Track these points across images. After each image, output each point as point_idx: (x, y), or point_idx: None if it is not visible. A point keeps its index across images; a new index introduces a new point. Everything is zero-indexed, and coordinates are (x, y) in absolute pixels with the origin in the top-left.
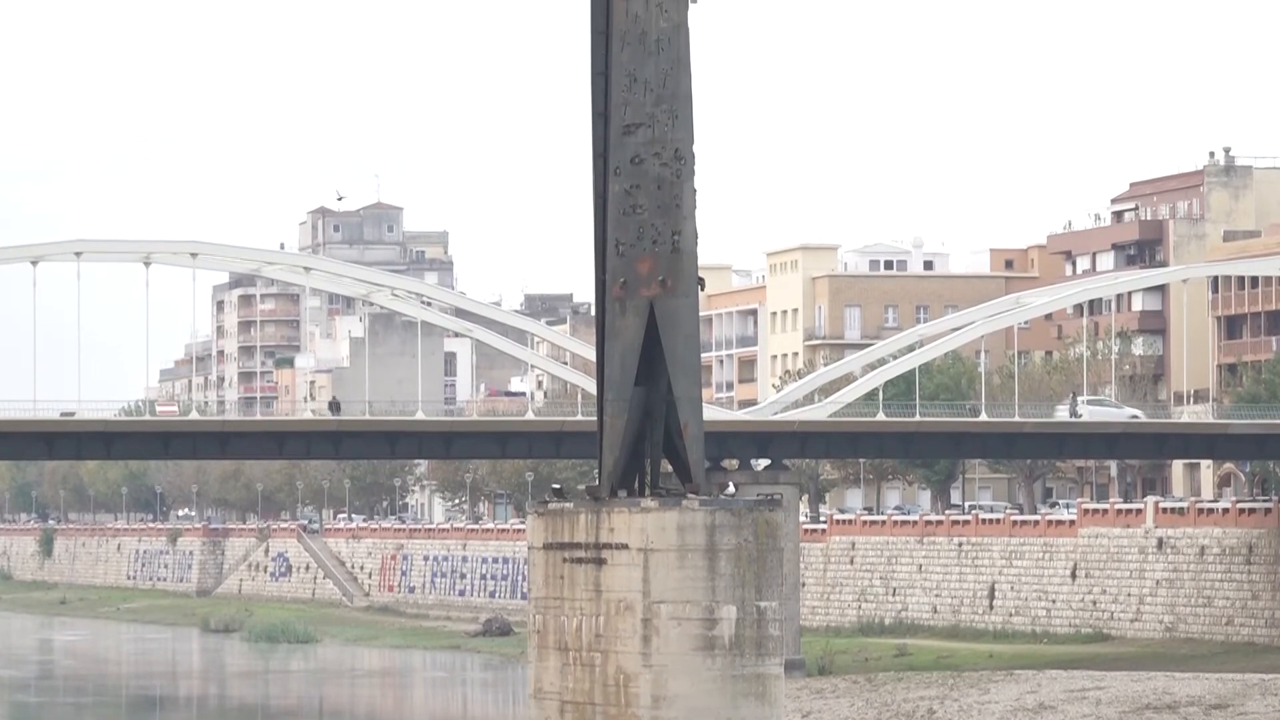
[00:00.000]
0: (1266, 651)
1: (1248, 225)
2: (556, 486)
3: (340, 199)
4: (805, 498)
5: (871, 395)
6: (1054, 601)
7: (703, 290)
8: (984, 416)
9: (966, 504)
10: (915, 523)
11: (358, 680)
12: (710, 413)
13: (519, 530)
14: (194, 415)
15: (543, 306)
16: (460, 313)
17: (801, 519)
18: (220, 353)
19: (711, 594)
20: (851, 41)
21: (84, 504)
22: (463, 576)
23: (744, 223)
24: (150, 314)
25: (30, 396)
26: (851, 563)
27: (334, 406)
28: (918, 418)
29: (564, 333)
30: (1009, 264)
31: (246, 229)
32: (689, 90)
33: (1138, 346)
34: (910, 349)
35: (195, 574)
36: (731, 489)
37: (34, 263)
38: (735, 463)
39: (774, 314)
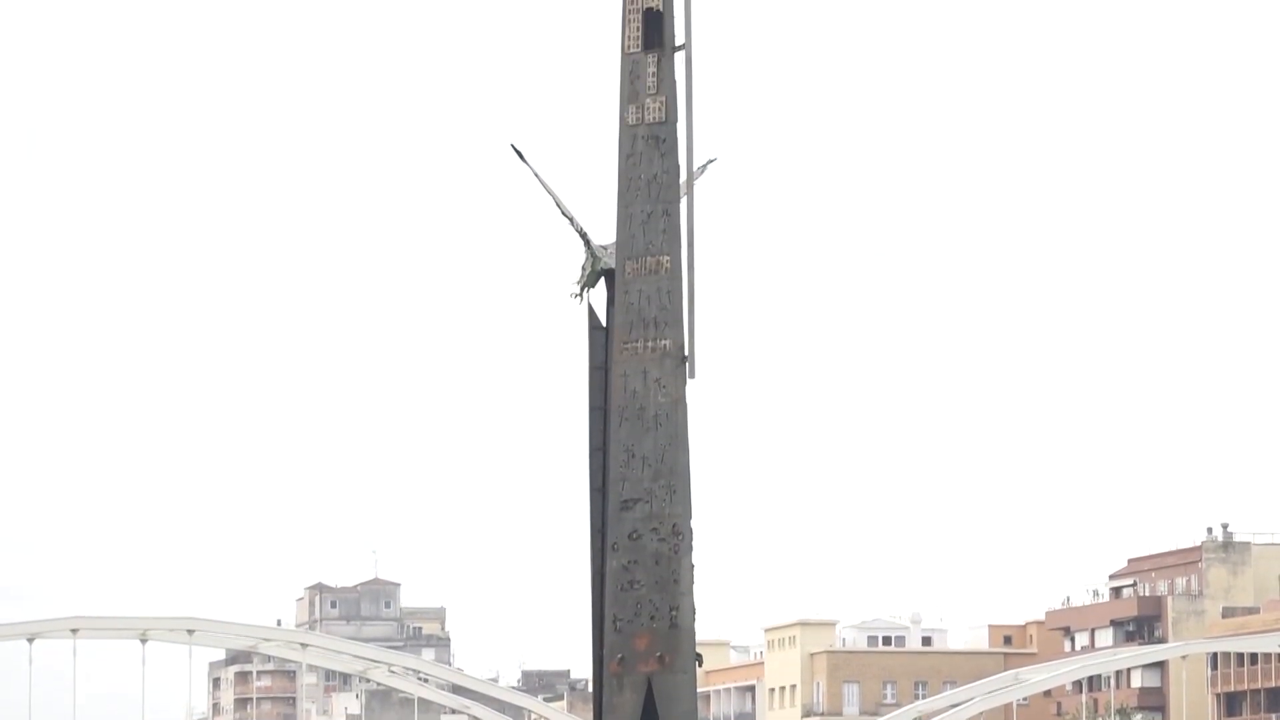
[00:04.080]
0: None
1: (1247, 601)
2: None
3: None
4: None
5: None
6: None
7: (701, 666)
8: None
9: None
10: None
11: None
12: None
13: None
14: None
15: (540, 683)
16: (458, 689)
17: None
18: None
19: None
20: (845, 415)
21: None
22: None
23: (742, 598)
24: (146, 691)
25: None
26: None
27: None
28: None
29: (562, 709)
30: (1007, 640)
31: (243, 605)
32: (687, 465)
33: None
34: None
35: None
36: None
37: (30, 640)
38: None
39: (772, 690)
